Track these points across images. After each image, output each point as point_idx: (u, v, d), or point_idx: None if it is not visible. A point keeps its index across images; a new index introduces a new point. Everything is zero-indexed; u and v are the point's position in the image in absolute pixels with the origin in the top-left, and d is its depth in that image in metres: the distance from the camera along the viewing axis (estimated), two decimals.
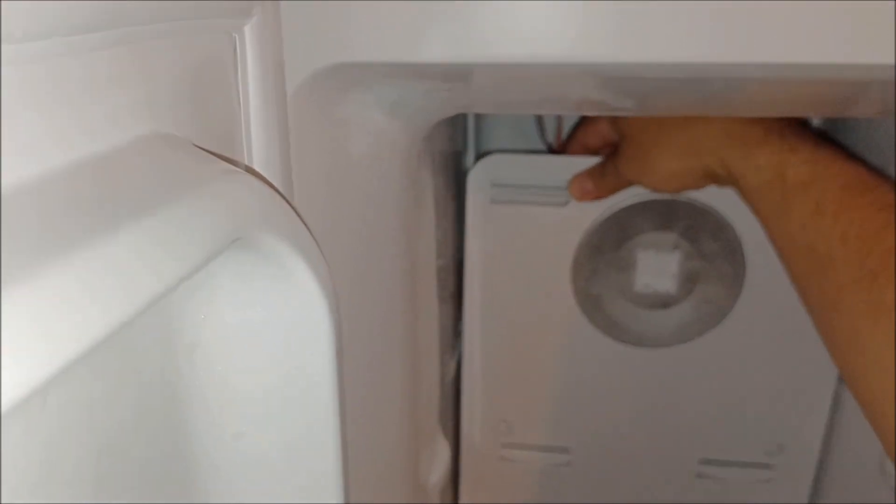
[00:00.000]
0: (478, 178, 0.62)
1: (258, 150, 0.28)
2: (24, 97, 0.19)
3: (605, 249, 0.61)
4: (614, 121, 0.58)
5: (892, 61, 0.30)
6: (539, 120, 0.68)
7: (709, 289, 0.60)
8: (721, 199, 0.58)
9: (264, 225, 0.24)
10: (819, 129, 0.60)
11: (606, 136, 0.60)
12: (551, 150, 0.68)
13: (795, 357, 0.60)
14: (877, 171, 0.46)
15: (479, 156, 0.67)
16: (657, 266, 0.60)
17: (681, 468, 0.64)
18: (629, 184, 0.58)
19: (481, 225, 0.62)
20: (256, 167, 0.28)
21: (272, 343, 0.26)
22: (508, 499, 0.69)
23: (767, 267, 0.57)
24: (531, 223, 0.61)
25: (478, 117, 0.70)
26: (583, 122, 0.63)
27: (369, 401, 0.42)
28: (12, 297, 0.16)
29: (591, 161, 0.60)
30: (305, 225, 0.27)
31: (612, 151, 0.59)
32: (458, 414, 0.66)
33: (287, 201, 0.26)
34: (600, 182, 0.59)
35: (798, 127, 0.49)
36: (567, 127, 0.67)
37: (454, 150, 0.67)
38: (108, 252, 0.19)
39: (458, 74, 0.34)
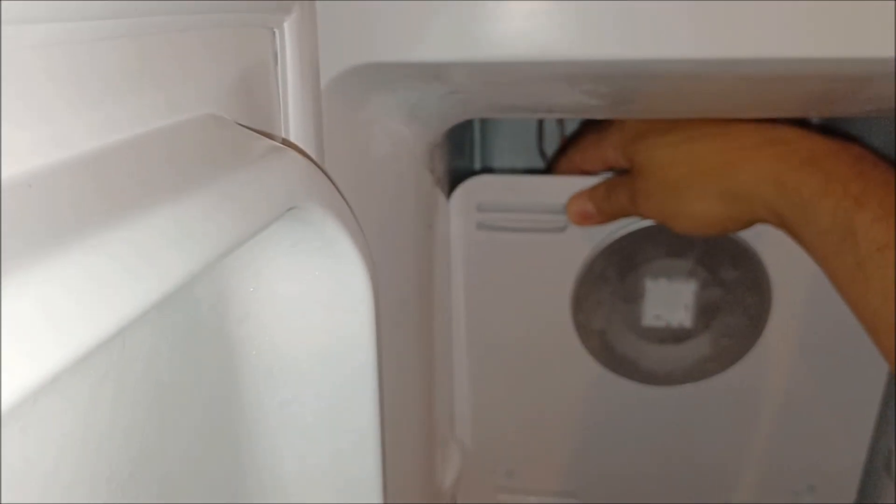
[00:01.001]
0: (461, 201, 0.55)
1: (296, 136, 0.30)
2: (95, 76, 0.21)
3: (608, 279, 0.54)
4: (625, 147, 0.50)
5: (893, 55, 0.30)
6: (540, 131, 0.65)
7: (729, 321, 0.53)
8: None
9: (311, 196, 0.26)
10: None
11: (612, 161, 0.52)
12: (550, 165, 0.65)
13: (828, 393, 0.55)
14: None
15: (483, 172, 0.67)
16: (669, 296, 0.54)
17: None
18: (639, 216, 0.51)
19: (466, 253, 0.55)
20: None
21: (317, 313, 0.28)
22: None
23: (796, 296, 0.52)
24: (523, 251, 0.54)
25: (484, 132, 0.68)
26: (581, 140, 0.55)
27: (389, 393, 0.43)
28: (83, 252, 0.17)
29: (591, 180, 0.53)
30: (345, 200, 0.28)
31: (618, 173, 0.52)
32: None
33: (328, 177, 0.28)
34: (604, 206, 0.52)
35: (855, 160, 0.42)
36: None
37: (460, 167, 0.68)
38: (174, 214, 0.20)
39: (481, 73, 0.36)
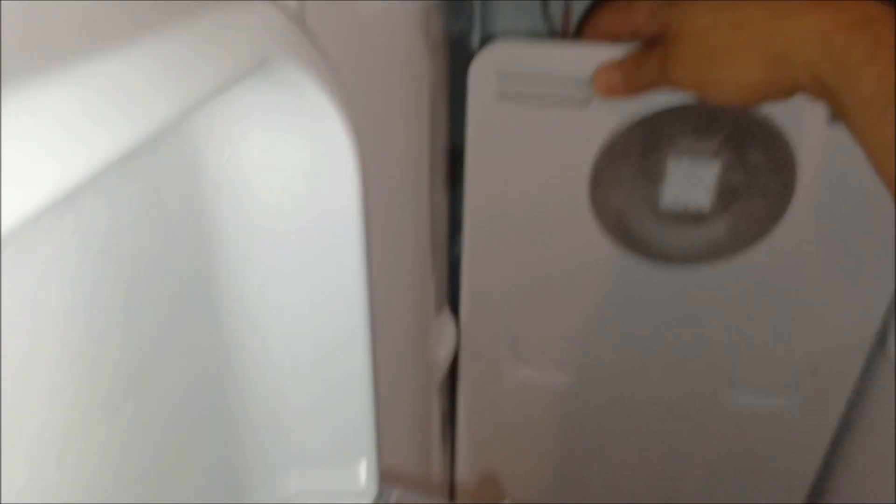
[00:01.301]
0: (483, 67, 0.51)
1: None
2: None
3: (630, 156, 0.52)
4: (660, 10, 0.47)
5: None
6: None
7: (749, 206, 0.52)
8: (777, 107, 0.49)
9: (286, 52, 0.23)
10: None
11: (643, 27, 0.48)
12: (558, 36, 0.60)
13: (839, 282, 0.54)
14: None
15: (484, 40, 0.61)
16: (691, 177, 0.52)
17: (701, 393, 0.61)
18: (670, 85, 0.47)
19: (486, 123, 0.53)
20: None
21: (297, 183, 0.26)
22: (511, 419, 0.67)
23: (821, 186, 0.50)
24: (545, 125, 0.52)
25: None
26: (610, 4, 0.51)
27: (378, 266, 0.41)
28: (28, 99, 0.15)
29: (620, 49, 0.49)
30: (327, 60, 0.25)
31: (650, 41, 0.48)
32: (458, 322, 0.63)
33: (306, 34, 0.25)
34: (633, 77, 0.48)
35: None
36: (578, 10, 0.58)
37: (458, 29, 0.64)
38: (126, 62, 0.18)
39: None
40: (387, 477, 0.32)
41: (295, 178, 0.25)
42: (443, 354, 0.59)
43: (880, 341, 0.56)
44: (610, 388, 0.62)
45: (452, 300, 0.63)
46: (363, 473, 0.31)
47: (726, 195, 0.52)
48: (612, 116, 0.51)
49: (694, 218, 0.53)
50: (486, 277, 0.59)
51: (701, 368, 0.59)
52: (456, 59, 0.59)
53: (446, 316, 0.62)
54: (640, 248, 0.54)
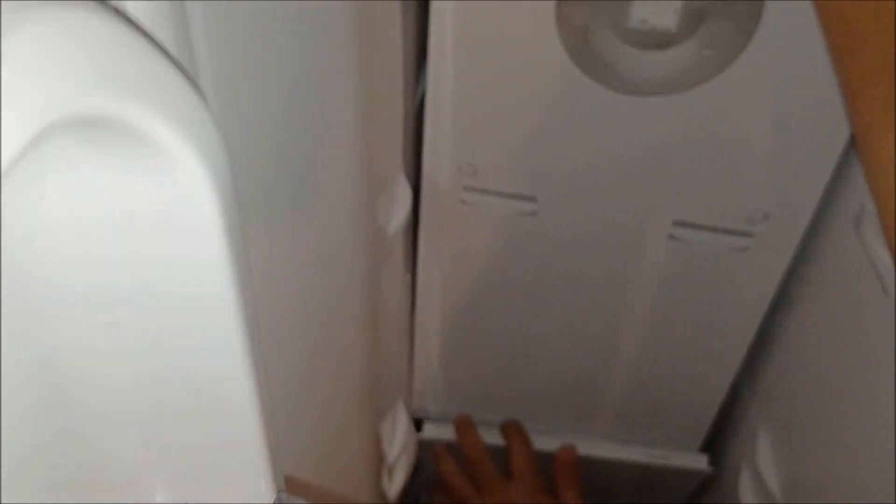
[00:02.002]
0: None
1: None
2: None
3: None
4: None
5: None
6: None
7: (715, 29, 0.51)
8: None
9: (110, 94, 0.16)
10: None
11: None
12: None
13: (803, 119, 0.53)
14: None
15: None
16: None
17: (654, 228, 0.60)
18: None
19: None
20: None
21: (133, 235, 0.20)
22: (470, 245, 0.66)
23: (788, 13, 0.48)
24: None
25: None
26: None
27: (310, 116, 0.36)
28: None
29: None
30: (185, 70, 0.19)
31: None
32: (420, 155, 0.60)
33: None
34: None
35: None
36: None
37: None
38: None
39: None
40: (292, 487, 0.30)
41: (130, 229, 0.20)
42: (394, 226, 0.55)
43: (830, 189, 0.55)
44: (568, 219, 0.62)
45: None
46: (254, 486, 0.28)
47: (693, 17, 0.50)
48: None
49: (659, 41, 0.51)
50: (447, 106, 0.57)
51: (657, 204, 0.59)
52: None
53: (403, 180, 0.57)
54: (604, 73, 0.53)
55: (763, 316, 0.64)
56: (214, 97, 0.25)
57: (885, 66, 0.36)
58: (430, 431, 0.81)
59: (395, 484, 0.75)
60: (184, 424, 0.26)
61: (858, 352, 0.54)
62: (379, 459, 0.68)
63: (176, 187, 0.19)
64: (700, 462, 0.78)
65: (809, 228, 0.58)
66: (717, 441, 0.79)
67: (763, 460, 0.66)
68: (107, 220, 0.20)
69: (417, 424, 0.82)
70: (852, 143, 0.52)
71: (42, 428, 0.23)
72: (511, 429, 0.78)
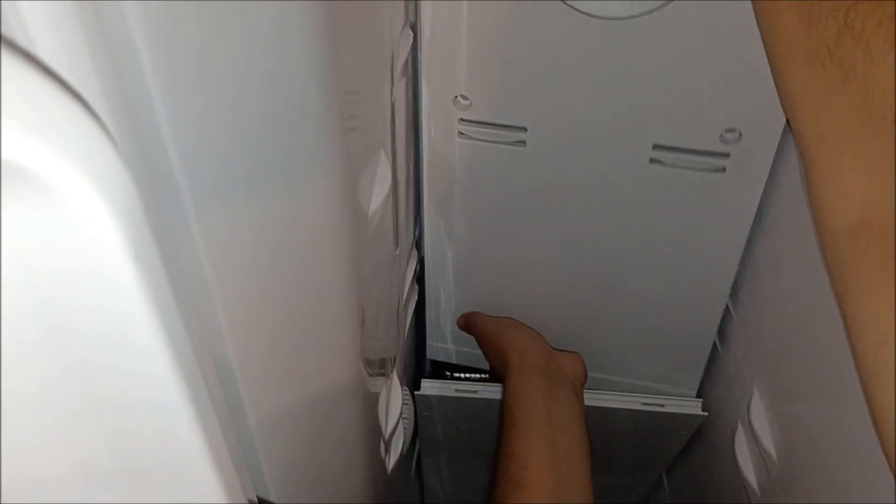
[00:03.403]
0: None
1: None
2: None
3: None
4: None
5: None
6: None
7: None
8: None
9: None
10: None
11: None
12: None
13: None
14: None
15: None
16: None
17: (634, 153, 0.62)
18: None
19: None
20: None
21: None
22: (464, 179, 0.68)
23: None
24: None
25: None
26: None
27: None
28: None
29: None
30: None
31: None
32: (417, 89, 0.64)
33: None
34: None
35: None
36: None
37: None
38: None
39: None
40: None
41: None
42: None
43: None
44: (556, 148, 0.64)
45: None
46: None
47: None
48: None
49: None
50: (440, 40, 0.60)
51: (638, 128, 0.61)
52: None
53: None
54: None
55: (745, 241, 0.66)
56: (167, 76, 0.25)
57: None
58: (428, 389, 0.83)
59: (393, 454, 0.76)
60: (129, 464, 0.27)
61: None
62: (375, 433, 0.68)
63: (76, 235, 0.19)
64: (694, 408, 0.79)
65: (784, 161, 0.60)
66: (712, 398, 0.80)
67: (757, 416, 0.67)
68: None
69: (421, 374, 0.87)
70: None
71: None
72: None
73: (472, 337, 0.83)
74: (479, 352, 0.82)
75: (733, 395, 0.74)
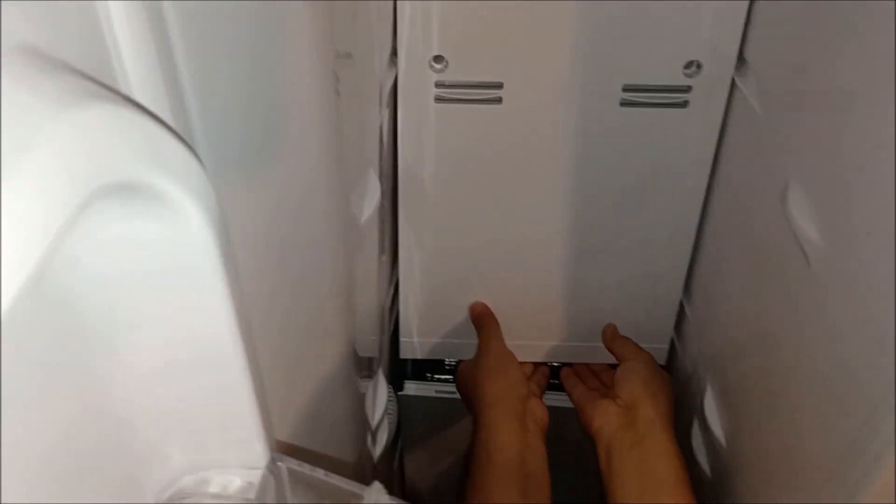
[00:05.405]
0: None
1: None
2: None
3: None
4: None
5: None
6: None
7: None
8: None
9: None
10: None
11: None
12: None
13: None
14: None
15: None
16: None
17: (606, 96, 0.66)
18: None
19: None
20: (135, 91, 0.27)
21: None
22: (444, 142, 0.70)
23: None
24: None
25: None
26: None
27: None
28: None
29: None
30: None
31: None
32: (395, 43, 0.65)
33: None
34: None
35: None
36: None
37: None
38: None
39: None
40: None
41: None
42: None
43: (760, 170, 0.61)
44: (532, 101, 0.67)
45: None
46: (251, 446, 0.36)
47: None
48: None
49: None
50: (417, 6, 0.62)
51: (608, 71, 0.65)
52: None
53: None
54: None
55: (707, 176, 0.70)
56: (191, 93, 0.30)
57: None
58: (411, 390, 0.87)
59: (378, 444, 0.79)
60: (193, 403, 0.34)
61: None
62: (363, 424, 0.72)
63: (182, 232, 0.27)
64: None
65: (745, 208, 0.63)
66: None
67: (709, 409, 0.70)
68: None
69: (404, 377, 0.88)
70: None
71: (84, 409, 0.30)
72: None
73: (439, 329, 0.83)
74: (449, 342, 0.84)
75: (690, 391, 0.77)
